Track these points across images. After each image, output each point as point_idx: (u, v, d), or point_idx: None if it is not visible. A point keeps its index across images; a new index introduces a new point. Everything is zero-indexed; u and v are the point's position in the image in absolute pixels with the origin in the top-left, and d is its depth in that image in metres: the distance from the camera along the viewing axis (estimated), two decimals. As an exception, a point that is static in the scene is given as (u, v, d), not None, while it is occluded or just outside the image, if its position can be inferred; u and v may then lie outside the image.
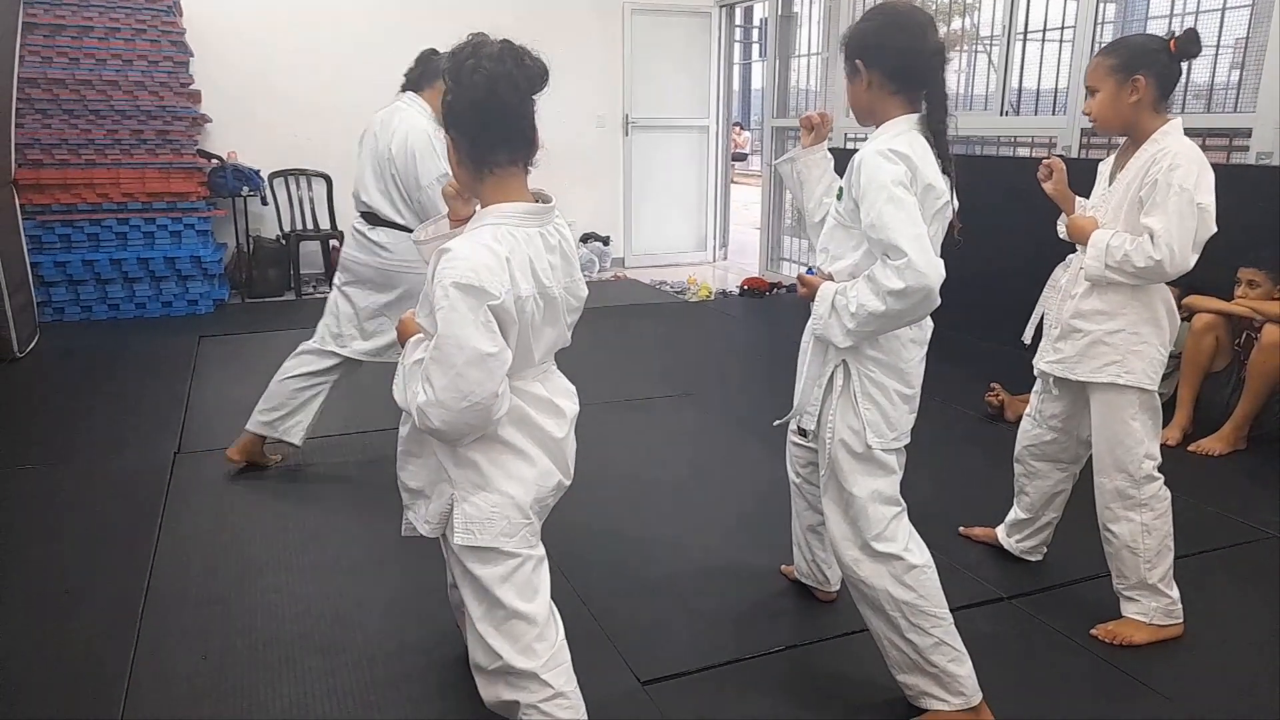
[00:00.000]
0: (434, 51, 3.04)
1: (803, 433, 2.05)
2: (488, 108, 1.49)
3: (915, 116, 1.78)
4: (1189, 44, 2.05)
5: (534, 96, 1.52)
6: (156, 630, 2.24)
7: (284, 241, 6.39)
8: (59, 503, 3.00)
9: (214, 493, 3.07)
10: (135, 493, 3.04)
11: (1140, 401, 2.15)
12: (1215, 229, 2.03)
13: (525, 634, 1.58)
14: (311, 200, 6.56)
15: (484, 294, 1.42)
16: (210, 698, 1.99)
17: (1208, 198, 2.00)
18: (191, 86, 5.76)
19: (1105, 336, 2.16)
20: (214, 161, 6.03)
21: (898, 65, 1.77)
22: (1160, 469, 2.19)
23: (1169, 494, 2.20)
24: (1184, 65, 2.13)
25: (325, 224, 6.57)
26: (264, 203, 6.33)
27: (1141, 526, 2.17)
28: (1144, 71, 2.06)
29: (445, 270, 1.43)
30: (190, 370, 4.47)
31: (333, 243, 6.52)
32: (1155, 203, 2.02)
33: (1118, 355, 2.14)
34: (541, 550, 1.65)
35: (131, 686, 2.02)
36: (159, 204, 5.57)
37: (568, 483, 1.69)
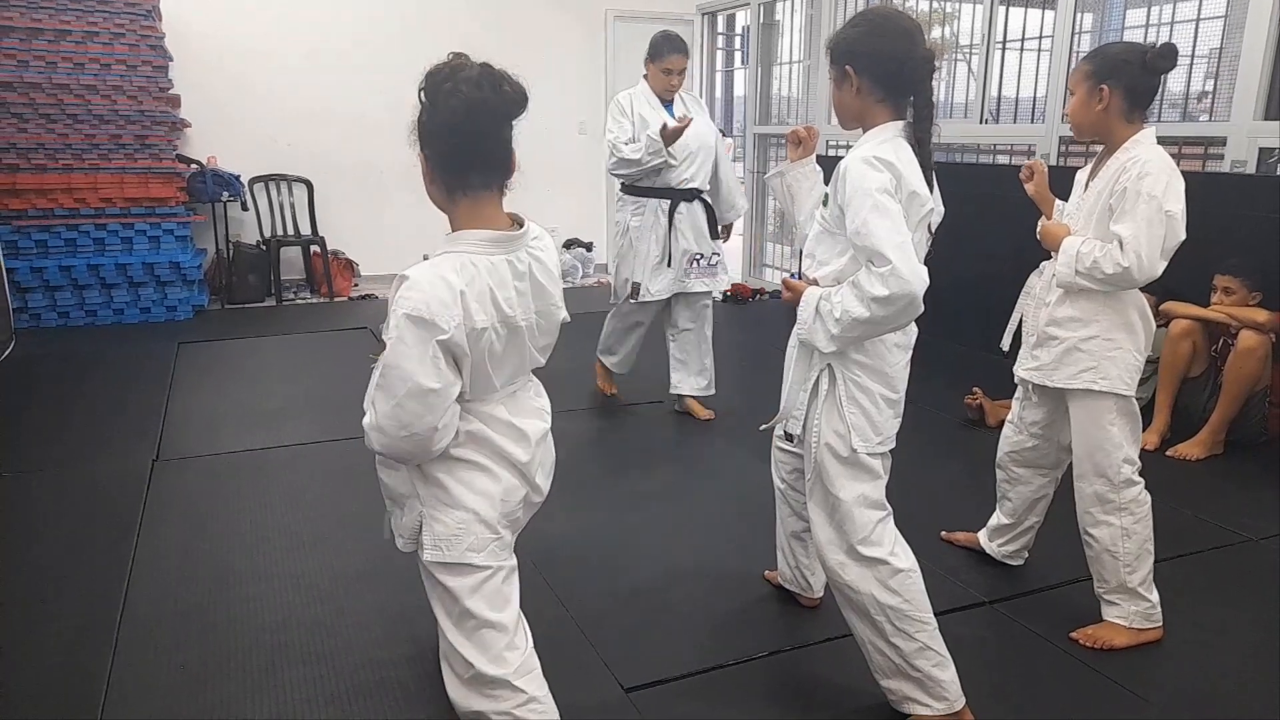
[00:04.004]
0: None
1: (789, 437, 2.05)
2: (463, 133, 1.46)
3: (900, 124, 1.79)
4: (1161, 58, 2.07)
5: (512, 122, 1.49)
6: (134, 640, 2.22)
7: (264, 247, 6.35)
8: (35, 511, 2.95)
9: (193, 501, 3.04)
10: (113, 500, 3.00)
11: (1118, 406, 2.17)
12: (1184, 236, 2.05)
13: (496, 642, 1.59)
14: (292, 205, 6.52)
15: (434, 328, 1.41)
16: (188, 708, 1.97)
17: (1176, 205, 2.02)
18: (171, 91, 5.71)
19: (1080, 343, 2.18)
20: (193, 166, 5.99)
21: (885, 72, 1.77)
22: (1141, 473, 2.21)
23: (1149, 498, 2.21)
24: (1159, 78, 2.15)
25: (306, 229, 6.53)
26: (244, 208, 6.29)
27: (1121, 530, 2.19)
28: (1110, 82, 2.09)
29: (401, 299, 1.42)
30: (169, 377, 4.43)
31: (313, 248, 6.49)
32: (1124, 210, 2.04)
33: (1093, 361, 2.16)
34: (512, 561, 1.65)
35: (109, 697, 1.99)
36: (137, 209, 5.52)
37: (538, 499, 1.70)
